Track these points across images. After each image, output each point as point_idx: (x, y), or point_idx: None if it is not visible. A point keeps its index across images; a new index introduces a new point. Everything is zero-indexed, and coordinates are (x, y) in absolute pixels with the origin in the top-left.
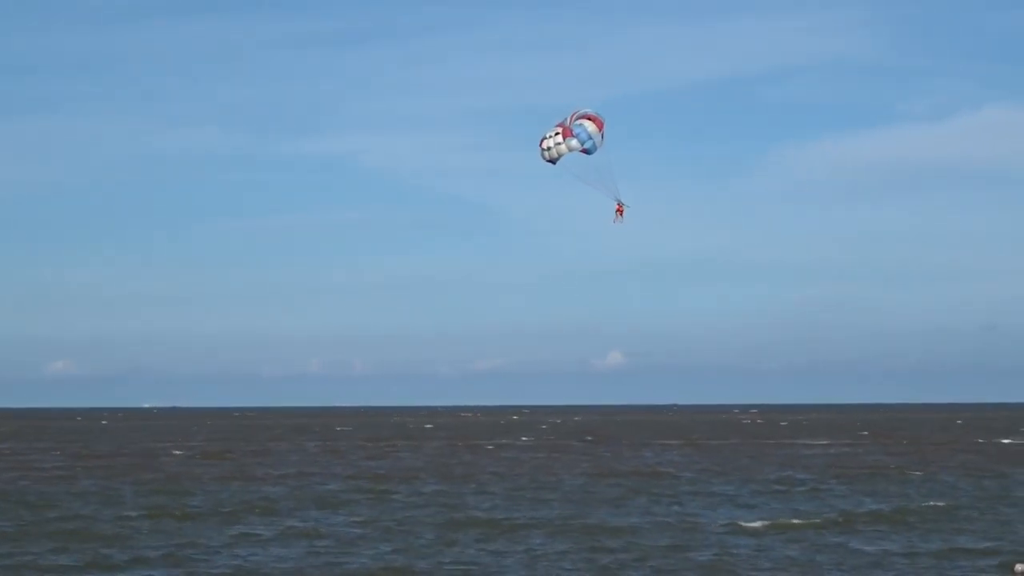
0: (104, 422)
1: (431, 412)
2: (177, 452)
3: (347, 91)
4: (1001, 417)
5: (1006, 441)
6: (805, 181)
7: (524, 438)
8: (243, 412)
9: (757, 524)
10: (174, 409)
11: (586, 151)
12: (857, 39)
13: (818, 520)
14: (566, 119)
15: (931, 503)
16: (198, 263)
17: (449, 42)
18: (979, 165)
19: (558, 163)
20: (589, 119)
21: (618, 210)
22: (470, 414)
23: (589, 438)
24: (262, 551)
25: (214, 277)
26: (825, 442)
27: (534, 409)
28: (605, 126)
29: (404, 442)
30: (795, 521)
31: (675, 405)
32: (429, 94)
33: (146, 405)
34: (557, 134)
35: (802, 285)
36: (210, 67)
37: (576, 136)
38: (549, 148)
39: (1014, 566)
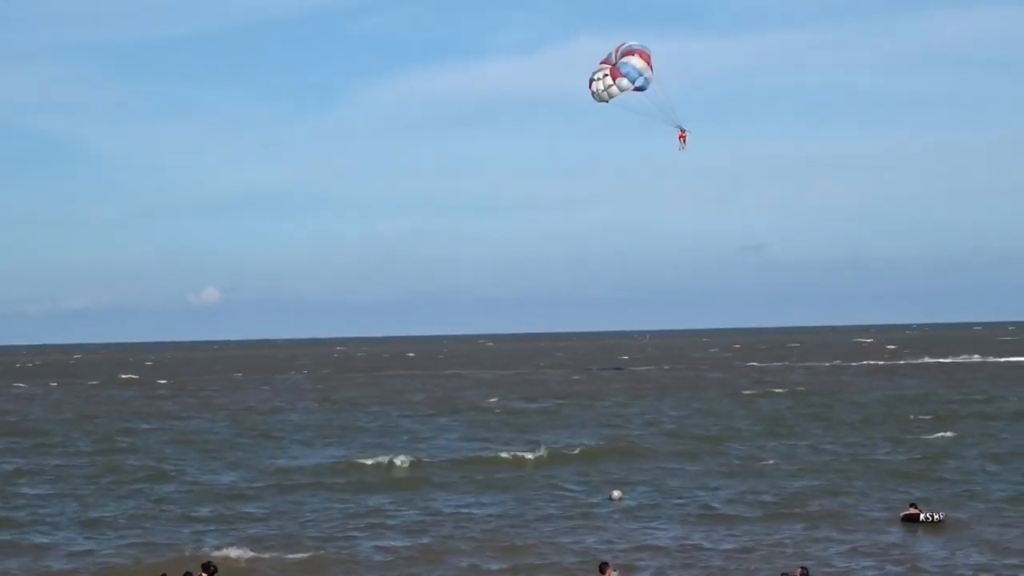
0: None
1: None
2: None
3: None
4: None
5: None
6: (393, 115)
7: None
8: None
9: None
10: None
11: (639, 89)
12: None
13: None
14: (611, 55)
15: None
16: None
17: None
18: (568, 96)
19: (611, 102)
20: (635, 53)
21: (681, 136)
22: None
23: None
24: None
25: None
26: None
27: (128, 347)
28: (653, 57)
29: None
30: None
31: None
32: (13, 28)
33: None
34: (606, 75)
35: (394, 217)
36: None
37: (625, 75)
38: (599, 91)
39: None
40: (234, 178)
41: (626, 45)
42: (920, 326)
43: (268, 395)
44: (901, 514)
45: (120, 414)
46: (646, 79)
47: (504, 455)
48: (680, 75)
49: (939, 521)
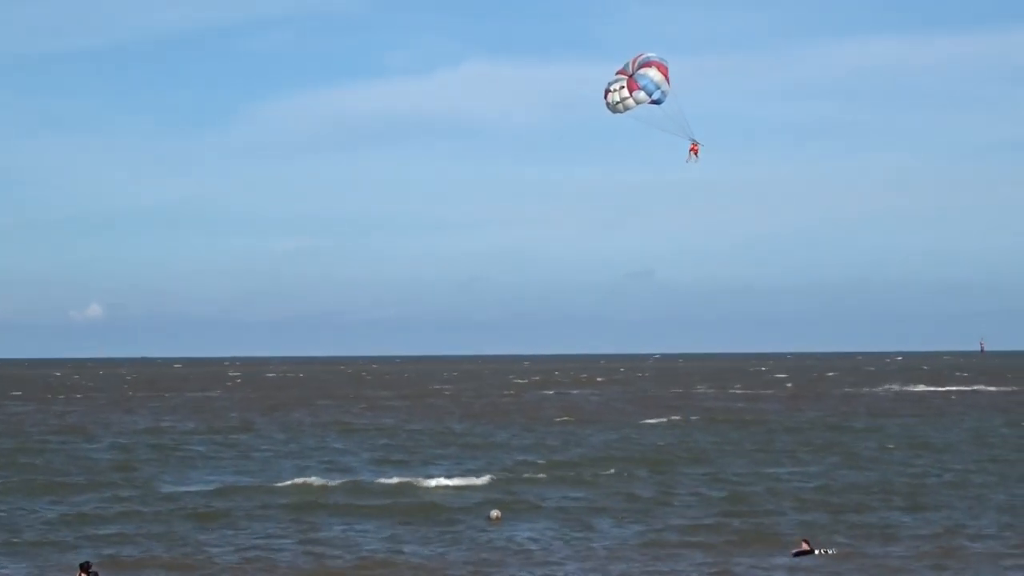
0: None
1: None
2: None
3: None
4: (488, 370)
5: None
6: (285, 133)
7: None
8: None
9: None
10: None
11: (655, 102)
12: None
13: None
14: (628, 65)
15: None
16: None
17: None
18: (458, 118)
19: (626, 114)
20: (652, 65)
21: (692, 149)
22: None
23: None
24: None
25: None
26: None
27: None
28: (670, 70)
29: None
30: None
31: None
32: None
33: None
34: (622, 87)
35: (280, 237)
36: None
37: (643, 88)
38: (616, 103)
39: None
40: (123, 194)
41: (643, 56)
42: (800, 355)
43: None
44: (793, 551)
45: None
46: (663, 92)
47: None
48: (571, 100)
49: (832, 555)
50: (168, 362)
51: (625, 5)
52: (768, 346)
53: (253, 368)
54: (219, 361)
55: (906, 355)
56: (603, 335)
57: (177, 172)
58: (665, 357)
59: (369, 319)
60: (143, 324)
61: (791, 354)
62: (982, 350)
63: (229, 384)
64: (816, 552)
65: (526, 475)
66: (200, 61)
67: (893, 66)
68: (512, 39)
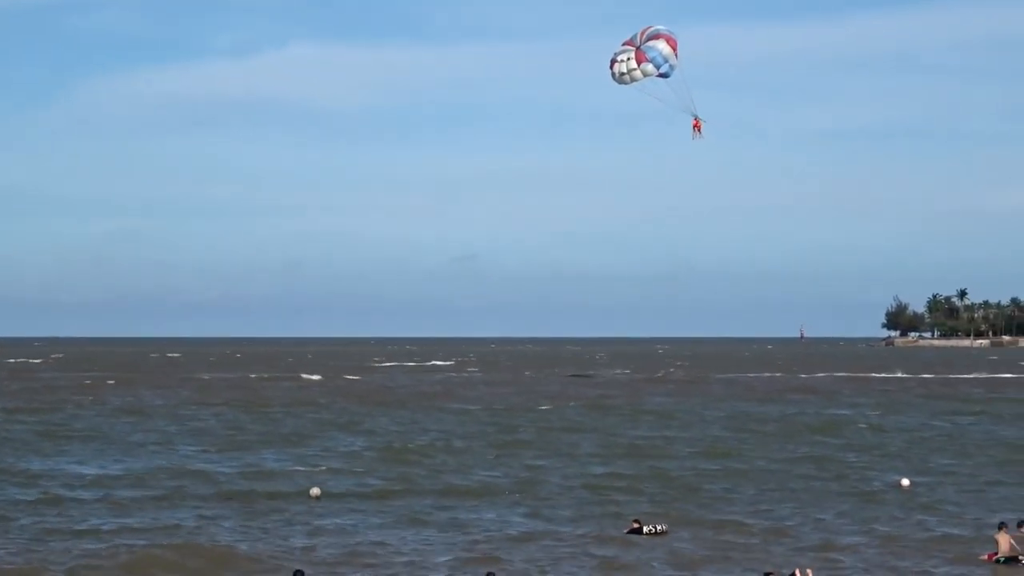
0: None
1: None
2: None
3: None
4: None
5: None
6: (108, 113)
7: None
8: None
9: None
10: None
11: (663, 75)
12: None
13: None
14: (636, 37)
15: None
16: None
17: None
18: (283, 101)
19: (632, 86)
20: (661, 38)
21: (695, 125)
22: None
23: None
24: None
25: None
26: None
27: None
28: (679, 44)
29: None
30: None
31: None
32: None
33: None
34: (629, 58)
35: (102, 218)
36: None
37: (651, 60)
38: (623, 74)
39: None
40: None
41: (652, 29)
42: (628, 340)
43: None
44: (625, 530)
45: None
46: (671, 66)
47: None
48: (399, 85)
49: (663, 532)
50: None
51: None
52: (592, 331)
53: (76, 348)
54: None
55: (732, 342)
56: (432, 318)
57: (3, 151)
58: (484, 341)
59: (192, 301)
60: None
61: (607, 339)
62: (802, 337)
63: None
64: (646, 530)
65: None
66: (24, 38)
67: (722, 55)
68: (340, 22)
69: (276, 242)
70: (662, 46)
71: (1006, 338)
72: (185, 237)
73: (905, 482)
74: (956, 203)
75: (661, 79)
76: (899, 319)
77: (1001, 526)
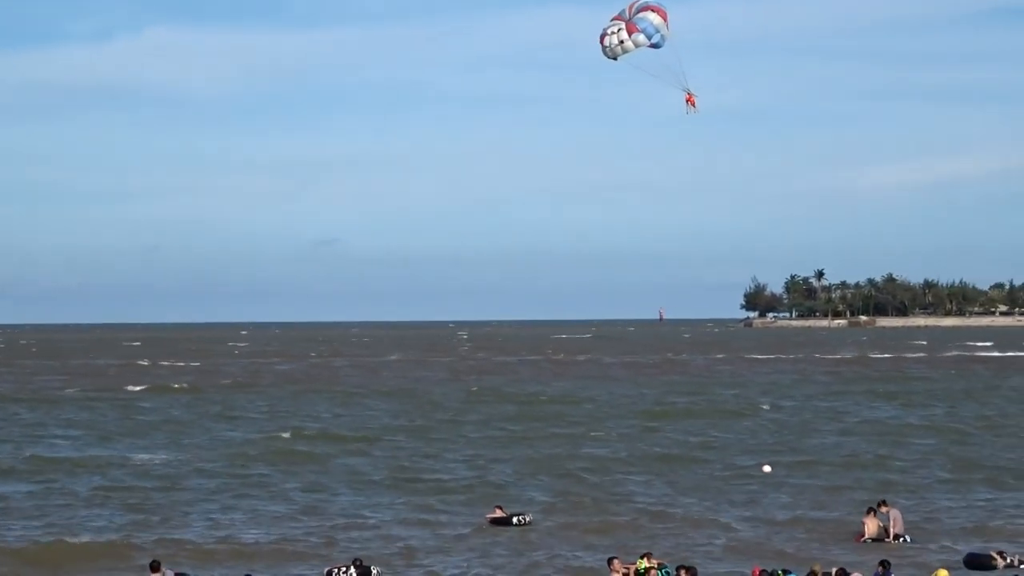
0: None
1: None
2: None
3: None
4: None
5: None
6: None
7: None
8: None
9: None
10: None
11: (654, 46)
12: None
13: None
14: (624, 11)
15: None
16: None
17: None
18: (139, 86)
19: (620, 59)
20: (651, 10)
21: (688, 100)
22: None
23: None
24: None
25: None
26: None
27: None
28: (669, 16)
29: None
30: None
31: None
32: None
33: None
34: (620, 30)
35: None
36: None
37: (642, 31)
38: (615, 45)
39: None
40: None
41: (641, 2)
42: (498, 323)
43: None
44: (488, 516)
45: None
46: (662, 36)
47: None
48: (258, 69)
49: (529, 523)
50: None
51: None
52: (458, 315)
53: None
54: None
55: (595, 323)
56: (292, 303)
57: None
58: (345, 325)
59: (52, 287)
60: None
61: (473, 323)
62: (661, 318)
63: None
64: (514, 520)
65: None
66: None
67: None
68: (197, 7)
69: (133, 228)
70: (653, 17)
71: (863, 318)
72: (45, 223)
73: (767, 468)
74: (814, 183)
75: (652, 50)
76: (757, 300)
77: (869, 510)
